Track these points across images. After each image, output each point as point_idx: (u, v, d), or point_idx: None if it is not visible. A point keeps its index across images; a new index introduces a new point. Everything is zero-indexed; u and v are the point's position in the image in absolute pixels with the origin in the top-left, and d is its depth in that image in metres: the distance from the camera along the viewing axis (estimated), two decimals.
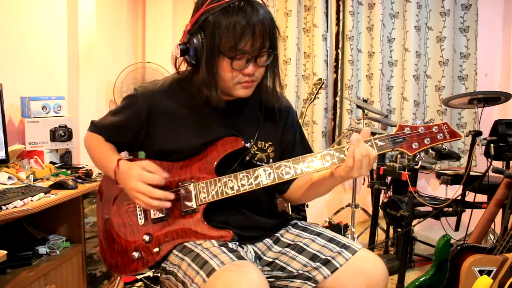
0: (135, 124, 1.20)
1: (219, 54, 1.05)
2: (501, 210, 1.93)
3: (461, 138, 1.14)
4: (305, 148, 1.28)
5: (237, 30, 1.01)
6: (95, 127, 1.30)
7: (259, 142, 1.21)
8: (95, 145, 1.29)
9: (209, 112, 1.17)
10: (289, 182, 1.26)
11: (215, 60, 1.05)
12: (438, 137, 1.07)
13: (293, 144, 1.27)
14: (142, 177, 1.11)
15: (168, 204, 1.11)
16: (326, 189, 1.19)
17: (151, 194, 1.09)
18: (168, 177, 1.16)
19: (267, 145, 1.22)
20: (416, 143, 1.07)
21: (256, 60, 1.08)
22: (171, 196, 1.12)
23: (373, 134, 1.10)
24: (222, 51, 1.04)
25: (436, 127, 1.08)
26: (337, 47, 3.46)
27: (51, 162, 2.14)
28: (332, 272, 1.08)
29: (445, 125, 1.08)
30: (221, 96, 1.10)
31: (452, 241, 1.88)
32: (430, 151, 1.08)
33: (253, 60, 1.07)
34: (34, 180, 1.87)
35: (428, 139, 1.07)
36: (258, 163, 1.19)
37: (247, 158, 1.18)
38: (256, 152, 1.20)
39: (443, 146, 1.11)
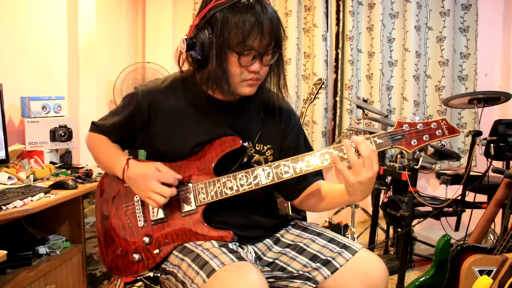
0: (138, 121, 1.20)
1: (227, 49, 1.05)
2: (501, 210, 1.93)
3: (459, 134, 1.13)
4: (309, 151, 1.26)
5: (246, 27, 1.02)
6: (98, 128, 1.28)
7: (257, 144, 1.21)
8: (99, 145, 1.28)
9: (212, 111, 1.17)
10: (298, 188, 1.25)
11: (224, 55, 1.06)
12: (437, 133, 1.06)
13: (297, 148, 1.25)
14: (158, 176, 1.11)
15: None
16: (342, 204, 1.18)
17: (164, 193, 1.11)
18: None
19: (265, 148, 1.22)
20: (415, 140, 1.06)
21: (262, 58, 1.08)
22: (175, 191, 1.13)
23: (372, 133, 1.10)
24: (230, 47, 1.05)
25: (435, 123, 1.06)
26: (337, 47, 3.46)
27: (51, 162, 2.14)
28: (332, 273, 1.08)
29: (443, 121, 1.07)
30: (232, 91, 1.11)
31: (452, 241, 1.88)
32: (429, 147, 1.07)
33: (259, 57, 1.07)
34: (34, 180, 1.86)
35: (427, 136, 1.06)
36: (255, 165, 1.18)
37: (245, 159, 1.18)
38: (253, 154, 1.20)
39: (442, 143, 1.10)
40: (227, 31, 1.03)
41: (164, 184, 1.12)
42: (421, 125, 1.07)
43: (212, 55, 1.06)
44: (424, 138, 1.06)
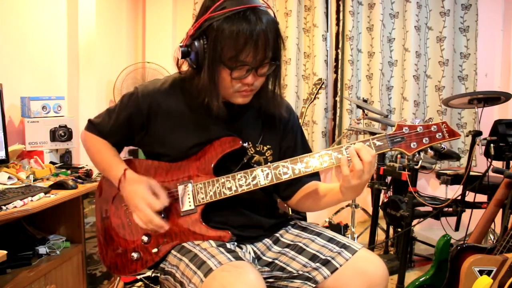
0: (137, 122, 1.20)
1: (219, 63, 1.04)
2: (501, 210, 1.93)
3: (460, 137, 1.13)
4: (305, 150, 1.26)
5: (239, 41, 1.00)
6: (96, 129, 1.27)
7: (257, 145, 1.21)
8: (97, 148, 1.27)
9: (210, 113, 1.17)
10: (292, 188, 1.25)
11: (216, 68, 1.05)
12: (437, 136, 1.06)
13: (294, 146, 1.26)
14: (147, 200, 1.10)
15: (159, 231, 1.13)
16: (335, 203, 1.18)
17: (151, 219, 1.10)
18: (166, 179, 1.17)
19: (265, 148, 1.22)
20: (415, 143, 1.06)
21: (257, 70, 1.07)
22: (166, 227, 1.11)
23: (372, 134, 1.10)
24: (223, 61, 1.03)
25: (435, 126, 1.07)
26: (337, 47, 3.46)
27: (51, 162, 2.14)
28: (332, 272, 1.08)
29: (443, 124, 1.07)
30: (222, 105, 1.10)
31: (452, 241, 1.88)
32: (429, 150, 1.07)
33: (253, 70, 1.06)
34: (34, 180, 1.86)
35: (427, 139, 1.06)
36: (255, 165, 1.18)
37: (245, 160, 1.18)
38: (254, 154, 1.20)
39: (442, 146, 1.10)
40: (220, 45, 1.02)
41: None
42: (421, 127, 1.07)
43: (204, 67, 1.05)
44: (424, 141, 1.06)
